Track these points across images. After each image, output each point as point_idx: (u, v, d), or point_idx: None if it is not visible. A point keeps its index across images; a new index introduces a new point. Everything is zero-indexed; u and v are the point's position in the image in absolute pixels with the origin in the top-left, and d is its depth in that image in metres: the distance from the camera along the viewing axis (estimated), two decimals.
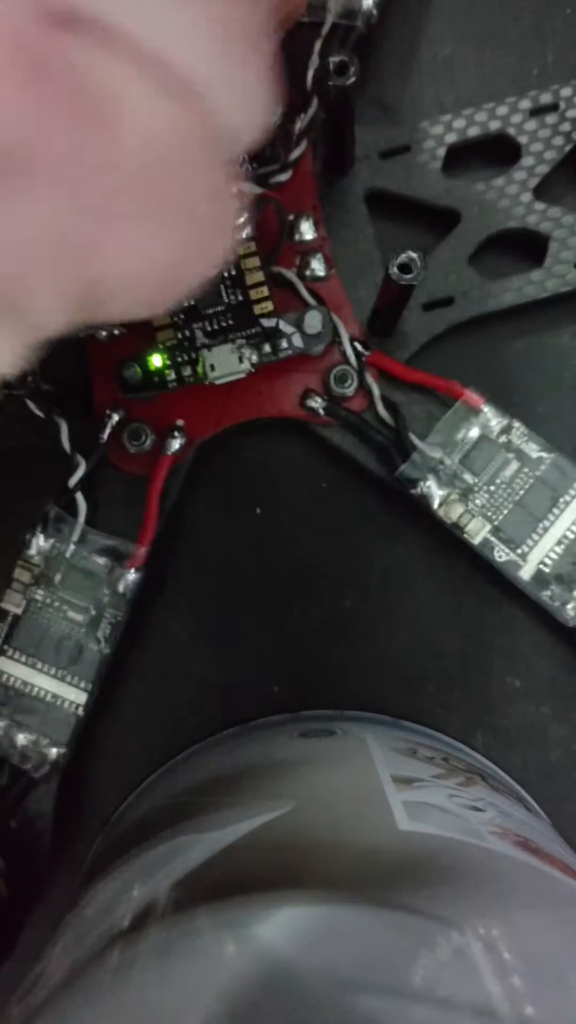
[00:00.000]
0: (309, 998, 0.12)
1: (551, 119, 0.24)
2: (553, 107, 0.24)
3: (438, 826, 0.16)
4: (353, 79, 0.20)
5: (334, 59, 0.19)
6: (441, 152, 0.24)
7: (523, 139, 0.24)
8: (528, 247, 0.24)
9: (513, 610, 0.24)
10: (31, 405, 0.22)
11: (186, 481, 0.23)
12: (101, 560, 0.23)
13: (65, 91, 0.09)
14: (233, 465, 0.25)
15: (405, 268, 0.19)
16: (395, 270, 0.19)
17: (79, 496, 0.22)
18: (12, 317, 0.10)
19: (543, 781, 0.24)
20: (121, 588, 0.22)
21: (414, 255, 0.19)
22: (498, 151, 0.24)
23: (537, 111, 0.24)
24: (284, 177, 0.23)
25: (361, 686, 0.24)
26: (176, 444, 0.23)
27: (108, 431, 0.23)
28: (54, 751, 0.22)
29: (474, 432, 0.22)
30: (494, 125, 0.24)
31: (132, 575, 0.22)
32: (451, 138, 0.24)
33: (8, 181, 0.09)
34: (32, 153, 0.09)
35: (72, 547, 0.22)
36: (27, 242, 0.10)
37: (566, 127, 0.24)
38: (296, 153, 0.23)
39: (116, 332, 0.23)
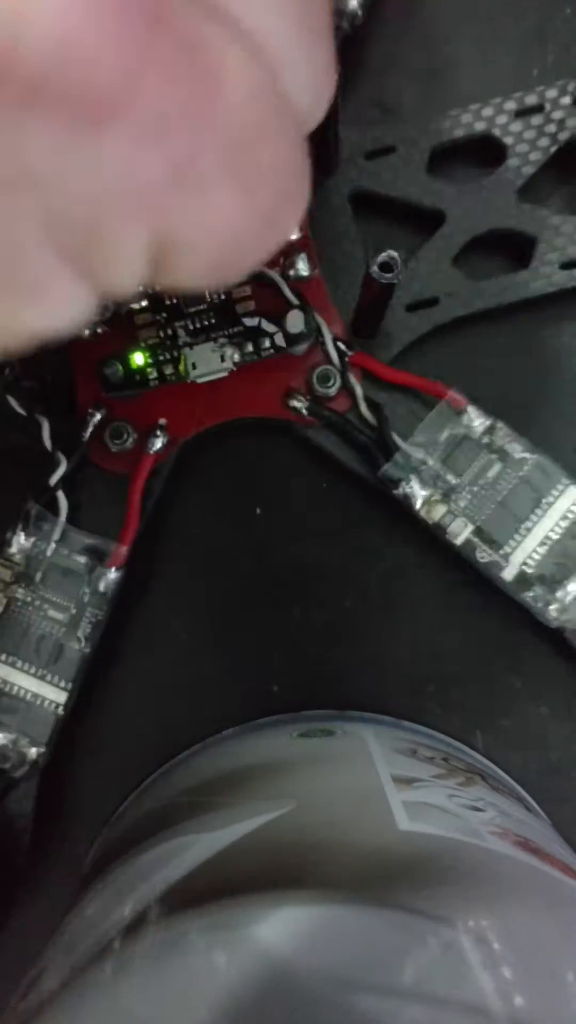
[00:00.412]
0: (309, 998, 0.12)
1: (536, 120, 0.24)
2: (538, 108, 0.24)
3: (438, 826, 0.16)
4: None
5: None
6: (426, 153, 0.24)
7: (508, 140, 0.24)
8: (513, 248, 0.24)
9: (513, 610, 0.24)
10: (12, 402, 0.22)
11: (169, 480, 0.23)
12: (82, 559, 0.22)
13: (173, 41, 0.09)
14: (233, 465, 0.25)
15: (386, 267, 0.19)
16: (376, 269, 0.19)
17: (60, 495, 0.22)
18: (83, 267, 0.10)
19: (543, 781, 0.24)
20: (102, 587, 0.22)
21: (394, 254, 0.19)
22: (483, 152, 0.24)
23: (522, 112, 0.24)
24: None
25: (361, 686, 0.24)
26: (158, 443, 0.23)
27: (90, 429, 0.23)
28: (33, 751, 0.22)
29: (457, 432, 0.22)
30: (479, 126, 0.24)
31: (113, 574, 0.22)
32: (436, 139, 0.24)
33: (101, 127, 0.09)
34: (133, 98, 0.09)
35: (53, 546, 0.22)
36: (109, 190, 0.09)
37: (551, 128, 0.24)
38: None
39: (99, 330, 0.22)
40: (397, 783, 0.17)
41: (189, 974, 0.13)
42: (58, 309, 0.11)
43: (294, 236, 0.23)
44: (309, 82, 0.11)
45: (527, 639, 0.24)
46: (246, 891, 0.14)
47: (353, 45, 0.24)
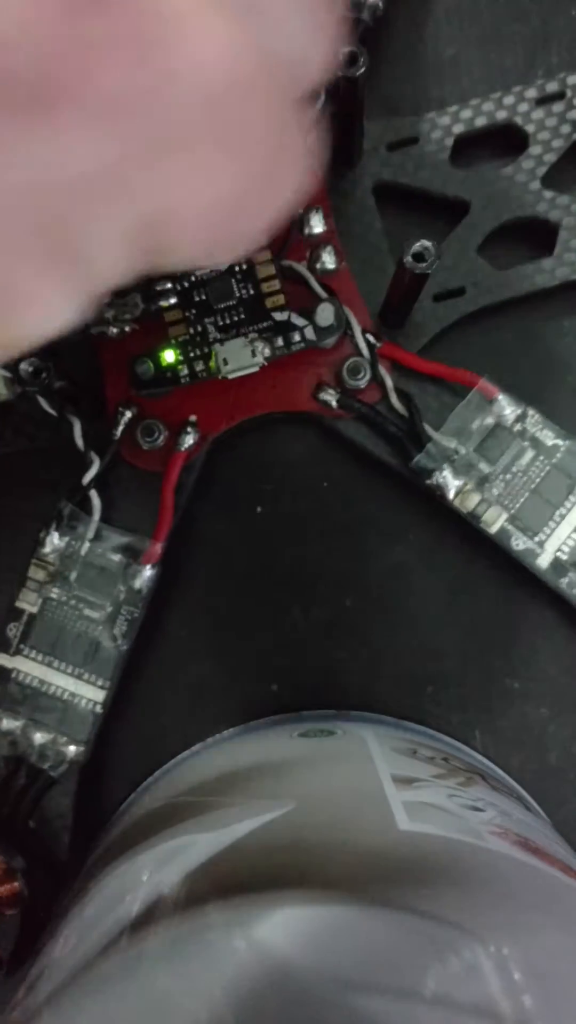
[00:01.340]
0: (308, 998, 0.12)
1: (558, 107, 0.24)
2: (560, 95, 0.24)
3: (438, 826, 0.16)
4: (363, 69, 0.20)
5: (344, 50, 0.19)
6: (449, 143, 0.24)
7: (530, 128, 0.24)
8: (538, 236, 0.24)
9: (513, 611, 0.24)
10: (44, 403, 0.22)
11: (199, 476, 0.23)
12: (116, 557, 0.22)
13: (116, 10, 0.08)
14: (233, 464, 0.25)
15: (419, 257, 0.19)
16: (409, 259, 0.19)
17: (93, 493, 0.22)
18: (71, 264, 0.10)
19: (542, 781, 0.24)
20: (137, 584, 0.22)
21: (428, 244, 0.19)
22: (506, 140, 0.24)
23: (544, 100, 0.24)
24: None
25: (361, 686, 0.24)
26: (189, 440, 0.23)
27: (121, 428, 0.23)
28: (72, 749, 0.22)
29: (489, 421, 0.22)
30: (501, 115, 0.24)
31: (148, 571, 0.22)
32: (458, 128, 0.24)
33: (53, 114, 0.08)
34: (78, 81, 0.08)
35: (87, 544, 0.22)
36: (79, 181, 0.09)
37: (573, 115, 0.24)
38: None
39: (127, 329, 0.22)
40: (397, 783, 0.17)
41: (189, 974, 0.13)
42: (47, 316, 0.10)
43: (318, 230, 0.23)
44: (301, 28, 0.10)
45: (527, 640, 0.24)
46: (246, 891, 0.14)
47: (374, 37, 0.24)
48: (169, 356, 0.22)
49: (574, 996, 0.13)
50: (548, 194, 0.24)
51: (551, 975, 0.13)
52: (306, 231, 0.23)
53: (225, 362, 0.22)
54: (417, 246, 0.19)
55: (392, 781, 0.17)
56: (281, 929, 0.13)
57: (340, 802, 0.17)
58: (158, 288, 0.22)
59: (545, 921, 0.14)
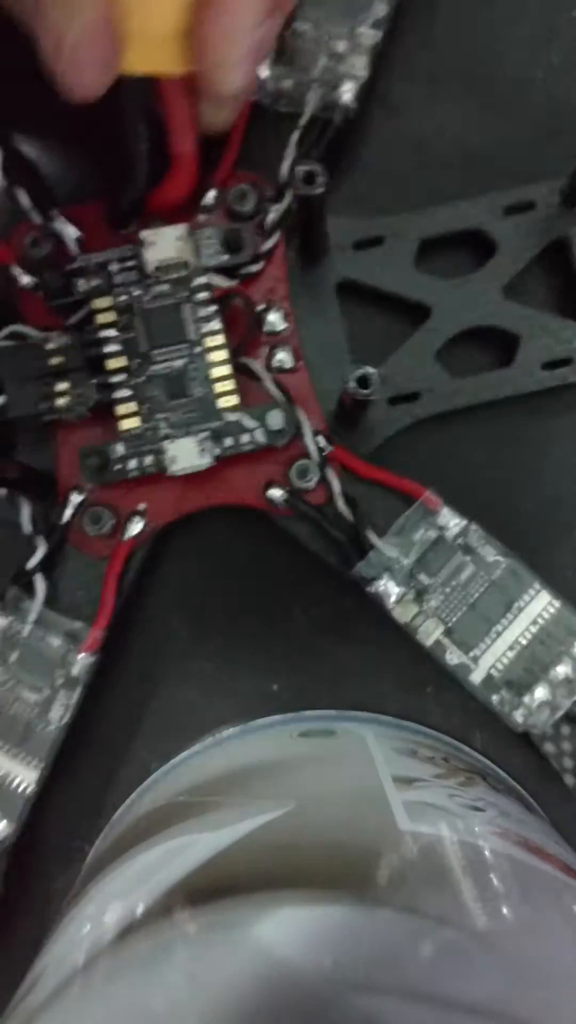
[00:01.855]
0: (309, 998, 0.12)
1: (527, 218, 0.24)
2: (529, 206, 0.24)
3: (439, 826, 0.16)
4: (320, 189, 0.20)
5: (302, 168, 0.19)
6: (414, 245, 0.24)
7: (498, 236, 0.24)
8: (498, 344, 0.24)
9: None
10: None
11: (143, 565, 0.24)
12: (57, 642, 0.23)
13: None
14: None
15: (363, 382, 0.19)
16: (352, 384, 0.19)
17: (38, 578, 0.23)
18: None
19: (542, 781, 0.24)
20: (75, 671, 0.23)
21: (372, 371, 0.19)
22: (473, 246, 0.24)
23: (513, 209, 0.24)
24: (256, 268, 0.23)
25: (361, 685, 0.24)
26: (136, 528, 0.23)
27: (69, 513, 0.23)
28: (2, 826, 0.23)
29: (431, 532, 0.22)
30: (471, 221, 0.24)
31: (86, 658, 0.23)
32: (426, 232, 0.24)
33: None
34: None
35: (29, 627, 0.23)
36: None
37: (541, 227, 0.24)
38: (268, 244, 0.23)
39: (84, 415, 0.23)
40: (397, 783, 0.17)
41: (189, 974, 0.13)
42: None
43: (279, 328, 0.23)
44: None
45: None
46: (246, 891, 0.14)
47: (347, 137, 0.24)
48: (119, 449, 0.22)
49: (574, 995, 0.13)
50: (510, 304, 0.24)
51: (551, 975, 0.13)
52: (266, 328, 0.23)
53: (174, 461, 0.22)
54: (360, 372, 0.19)
55: (392, 781, 0.17)
56: (282, 929, 0.13)
57: (340, 802, 0.17)
58: (112, 381, 0.22)
59: (545, 921, 0.14)
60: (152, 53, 0.18)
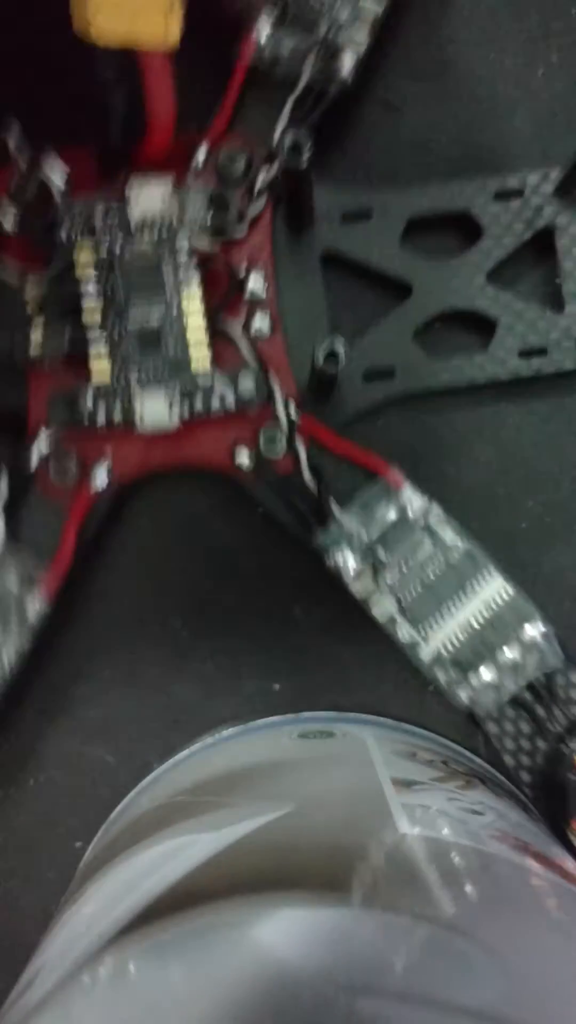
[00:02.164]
0: (307, 1000, 0.12)
1: (515, 204, 0.24)
2: (519, 192, 0.24)
3: (438, 829, 0.16)
4: (305, 160, 0.20)
5: (288, 137, 0.19)
6: (402, 223, 0.24)
7: (485, 220, 0.24)
8: (476, 329, 0.24)
9: None
10: None
11: (106, 517, 0.24)
12: (13, 585, 0.23)
13: None
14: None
15: (331, 359, 0.19)
16: (319, 357, 0.19)
17: (0, 516, 0.23)
18: None
19: None
20: (30, 616, 0.23)
21: (340, 347, 0.19)
22: (459, 228, 0.24)
23: (503, 195, 0.24)
24: (241, 232, 0.23)
25: (363, 684, 0.24)
26: (99, 481, 0.23)
27: (35, 457, 0.23)
28: None
29: (393, 510, 0.22)
30: (459, 203, 0.24)
31: (40, 604, 0.23)
32: (414, 210, 0.24)
33: None
34: None
35: None
36: None
37: (528, 214, 0.24)
38: (255, 209, 0.23)
39: (58, 362, 0.23)
40: (397, 785, 0.17)
41: (188, 975, 0.13)
42: None
43: (259, 293, 0.23)
44: None
45: None
46: (245, 892, 0.14)
47: (342, 107, 0.24)
48: (88, 398, 0.22)
49: (571, 1000, 0.13)
50: (491, 290, 0.24)
51: (550, 979, 0.13)
52: (247, 293, 0.23)
53: (142, 418, 0.22)
54: (327, 344, 0.19)
55: (392, 784, 0.17)
56: (280, 931, 0.13)
57: (340, 804, 0.17)
58: (87, 330, 0.22)
59: (544, 925, 0.14)
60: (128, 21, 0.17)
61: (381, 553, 0.22)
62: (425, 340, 0.24)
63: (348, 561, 0.22)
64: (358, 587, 0.22)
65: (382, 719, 0.24)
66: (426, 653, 0.22)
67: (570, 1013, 0.13)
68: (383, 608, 0.22)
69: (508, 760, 0.23)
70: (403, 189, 0.24)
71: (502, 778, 0.23)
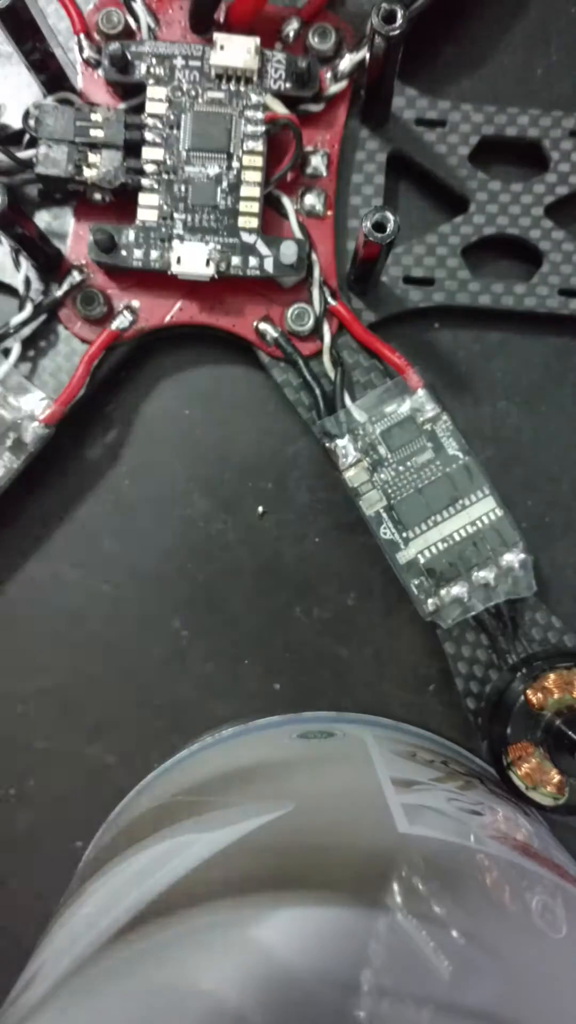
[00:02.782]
0: (307, 999, 0.12)
1: None
2: None
3: (438, 829, 0.16)
4: (398, 30, 0.20)
5: (384, 5, 0.19)
6: (474, 140, 0.24)
7: (555, 155, 0.24)
8: (523, 258, 0.24)
9: None
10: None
11: (121, 366, 0.24)
12: (17, 405, 0.23)
13: None
14: (235, 462, 0.25)
15: (379, 227, 0.19)
16: (368, 226, 0.19)
17: (16, 340, 0.23)
18: None
19: None
20: (27, 437, 0.23)
21: (389, 215, 0.19)
22: (528, 157, 0.24)
23: None
24: (317, 108, 0.23)
25: (364, 684, 0.24)
26: (124, 321, 0.23)
27: (65, 288, 0.23)
28: None
29: (403, 410, 0.23)
30: (533, 132, 0.24)
31: (40, 428, 0.23)
32: (487, 130, 0.24)
33: None
34: None
35: None
36: None
37: None
38: (334, 88, 0.23)
39: (104, 197, 0.23)
40: (397, 786, 0.17)
41: (188, 974, 0.13)
42: None
43: (320, 173, 0.23)
44: None
45: None
46: (245, 892, 0.14)
47: (440, 11, 0.23)
48: (130, 235, 0.22)
49: (568, 999, 0.13)
50: (547, 223, 0.24)
51: (551, 979, 0.13)
52: (308, 171, 0.23)
53: (179, 261, 0.22)
54: (378, 215, 0.19)
55: (392, 784, 0.17)
56: (280, 930, 0.13)
57: (340, 804, 0.17)
58: (144, 168, 0.22)
59: (544, 925, 0.14)
60: None
61: (382, 449, 0.23)
62: (471, 258, 0.24)
63: (349, 450, 0.23)
64: (351, 475, 0.22)
65: (382, 719, 0.24)
66: (403, 556, 0.22)
67: (567, 1012, 0.13)
68: (371, 503, 0.23)
69: (459, 683, 0.23)
70: (480, 107, 0.24)
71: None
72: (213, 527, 0.25)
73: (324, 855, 0.15)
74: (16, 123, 0.23)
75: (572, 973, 0.14)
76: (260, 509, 0.25)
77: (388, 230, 0.19)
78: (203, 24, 0.23)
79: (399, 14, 0.19)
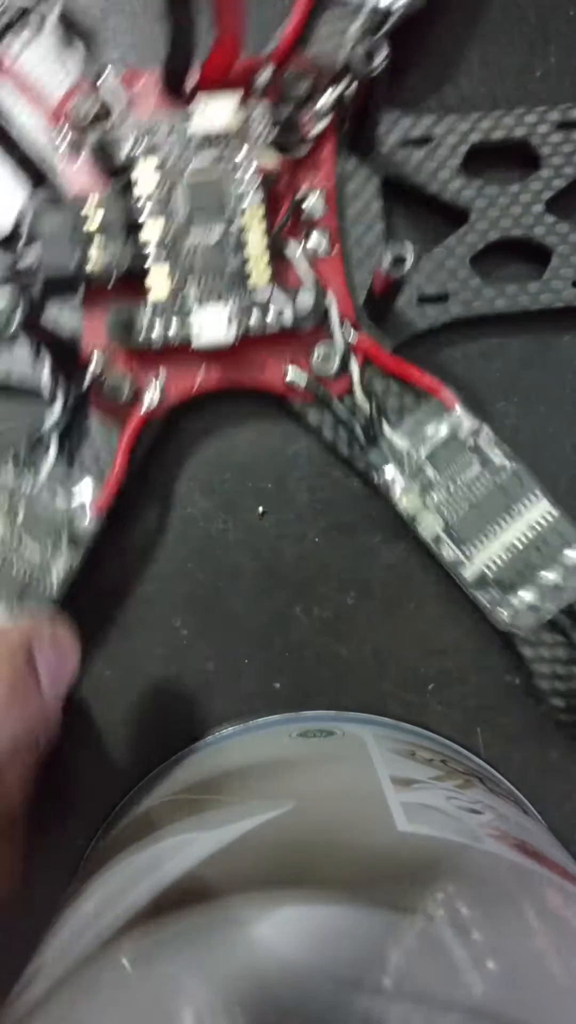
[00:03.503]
0: (307, 997, 0.12)
1: (575, 136, 0.24)
2: None
3: (437, 828, 0.16)
4: (380, 68, 0.20)
5: (364, 45, 0.20)
6: (463, 149, 0.24)
7: (545, 150, 0.24)
8: (531, 257, 0.24)
9: None
10: (25, 337, 0.22)
11: (158, 436, 0.24)
12: (64, 503, 0.23)
13: None
14: (235, 462, 0.25)
15: (398, 261, 0.20)
16: (388, 263, 0.20)
17: (53, 436, 0.23)
18: None
19: (542, 779, 0.24)
20: (80, 533, 0.23)
21: (406, 251, 0.19)
22: (519, 158, 0.24)
23: (564, 125, 0.24)
24: (303, 151, 0.23)
25: (363, 683, 0.25)
26: (154, 399, 0.23)
27: (89, 379, 0.23)
28: None
29: (444, 430, 0.23)
30: (519, 131, 0.24)
31: (91, 522, 0.23)
32: (475, 137, 0.24)
33: None
34: None
35: (38, 486, 0.23)
36: None
37: None
38: (319, 127, 0.23)
39: (116, 279, 0.23)
40: (396, 784, 0.17)
41: (189, 972, 0.13)
42: None
43: (319, 213, 0.23)
44: None
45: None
46: (245, 890, 0.14)
47: (410, 30, 0.24)
48: (146, 313, 0.23)
49: (565, 997, 0.13)
50: (549, 219, 0.24)
51: (547, 977, 0.13)
52: (306, 212, 0.23)
53: (199, 334, 0.22)
54: (396, 250, 0.19)
55: (391, 782, 0.17)
56: (280, 929, 0.13)
57: (339, 803, 0.17)
58: (147, 246, 0.23)
59: (541, 923, 0.15)
60: None
61: (430, 472, 0.23)
62: (481, 266, 0.24)
63: (397, 479, 0.23)
64: (405, 504, 0.23)
65: (381, 718, 0.24)
66: (470, 572, 0.23)
67: (565, 1010, 0.13)
68: (429, 526, 0.23)
69: (543, 684, 0.24)
70: (465, 116, 0.24)
71: (500, 777, 0.24)
72: (213, 527, 0.25)
73: (324, 853, 0.15)
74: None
75: (571, 972, 0.14)
76: (260, 509, 0.25)
77: (408, 262, 0.20)
78: (178, 85, 0.23)
79: (379, 54, 0.20)
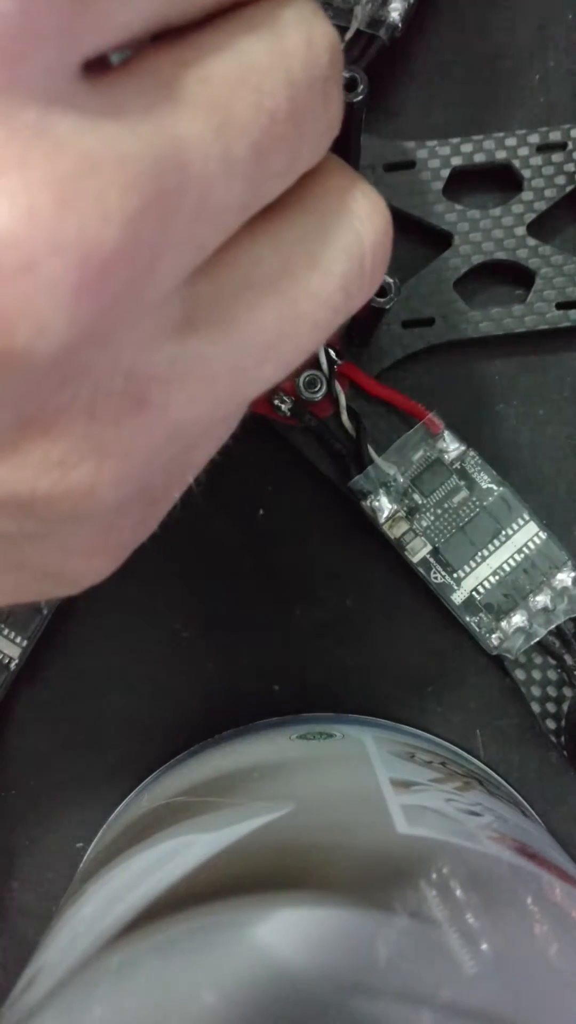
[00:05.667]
0: (306, 1000, 0.12)
1: (557, 157, 0.24)
2: (561, 146, 0.24)
3: (436, 830, 0.16)
4: (361, 97, 0.20)
5: (344, 74, 0.20)
6: (445, 173, 0.24)
7: (527, 173, 0.24)
8: (515, 280, 0.24)
9: None
10: None
11: None
12: None
13: None
14: (235, 462, 0.25)
15: (380, 291, 0.20)
16: None
17: None
18: None
19: (542, 781, 0.24)
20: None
21: (389, 280, 0.19)
22: (501, 181, 0.24)
23: (545, 147, 0.24)
24: None
25: (363, 685, 0.25)
26: None
27: None
28: None
29: (430, 454, 0.23)
30: (500, 155, 0.24)
31: None
32: (457, 161, 0.24)
33: None
34: None
35: None
36: None
37: (570, 167, 0.24)
38: None
39: None
40: (395, 786, 0.17)
41: (188, 975, 0.13)
42: None
43: None
44: None
45: None
46: (245, 892, 0.14)
47: (391, 55, 0.24)
48: None
49: (564, 998, 0.13)
50: (531, 241, 0.24)
51: (547, 980, 0.13)
52: None
53: None
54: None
55: (390, 784, 0.17)
56: (279, 931, 0.13)
57: (339, 805, 0.17)
58: None
59: (542, 926, 0.15)
60: None
61: (417, 496, 0.23)
62: (465, 290, 0.24)
63: (384, 504, 0.23)
64: (391, 528, 0.23)
65: (381, 720, 0.24)
66: (458, 597, 0.23)
67: (563, 1011, 0.13)
68: (416, 551, 0.23)
69: (535, 707, 0.23)
70: (446, 141, 0.24)
71: (500, 779, 0.24)
72: (213, 528, 0.25)
73: (323, 855, 0.15)
74: None
75: (571, 973, 0.14)
76: (260, 511, 0.25)
77: (391, 293, 0.20)
78: None
79: (359, 84, 0.20)
